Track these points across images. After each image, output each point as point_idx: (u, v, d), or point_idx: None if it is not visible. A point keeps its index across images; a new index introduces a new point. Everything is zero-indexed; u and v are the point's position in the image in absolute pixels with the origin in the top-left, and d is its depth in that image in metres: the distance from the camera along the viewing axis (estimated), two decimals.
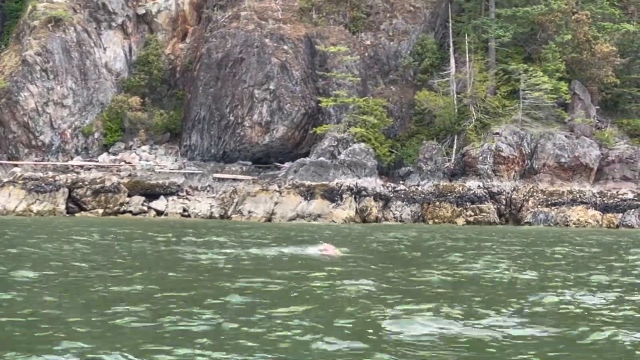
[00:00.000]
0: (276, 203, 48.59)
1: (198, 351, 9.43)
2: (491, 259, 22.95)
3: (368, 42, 59.61)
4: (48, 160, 55.61)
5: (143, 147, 57.61)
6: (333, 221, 47.46)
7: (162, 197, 51.41)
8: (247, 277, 16.44)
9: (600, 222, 51.26)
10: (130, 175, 53.13)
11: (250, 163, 56.32)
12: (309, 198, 48.97)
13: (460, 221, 50.44)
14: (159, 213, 50.50)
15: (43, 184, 48.99)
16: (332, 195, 49.18)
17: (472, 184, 52.27)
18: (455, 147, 55.78)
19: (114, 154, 57.25)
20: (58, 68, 56.40)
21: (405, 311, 12.42)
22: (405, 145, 56.93)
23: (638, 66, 59.86)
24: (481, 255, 24.28)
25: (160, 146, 58.36)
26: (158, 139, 58.64)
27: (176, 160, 56.79)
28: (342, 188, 49.55)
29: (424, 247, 28.62)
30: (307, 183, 49.63)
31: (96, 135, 57.84)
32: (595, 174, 55.38)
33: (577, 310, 13.31)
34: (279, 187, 49.69)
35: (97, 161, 56.15)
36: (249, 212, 48.28)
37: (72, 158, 56.42)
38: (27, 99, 55.31)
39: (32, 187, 48.65)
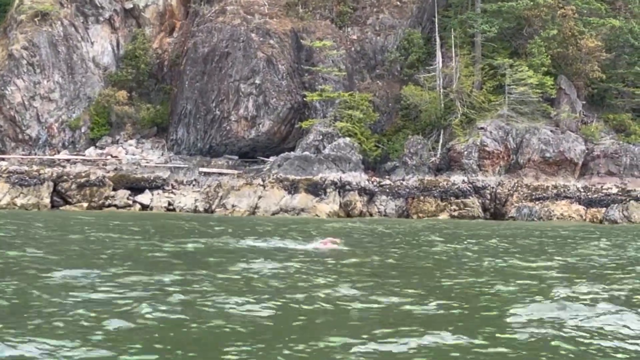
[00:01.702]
0: (260, 197, 48.74)
1: None
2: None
3: (354, 37, 59.74)
4: (35, 154, 55.73)
5: (130, 141, 57.76)
6: (317, 215, 47.63)
7: (147, 190, 51.53)
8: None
9: (584, 217, 51.44)
10: (116, 169, 53.24)
11: (236, 157, 56.47)
12: (292, 192, 49.13)
13: (444, 216, 50.60)
14: (144, 207, 50.62)
15: (27, 178, 49.14)
16: (316, 189, 49.34)
17: (457, 179, 52.45)
18: (441, 141, 55.96)
19: (101, 148, 57.38)
20: (45, 62, 56.51)
21: None
22: (391, 140, 57.06)
23: (624, 61, 60.00)
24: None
25: (147, 140, 58.50)
26: (145, 133, 58.78)
27: (162, 154, 56.93)
28: (326, 182, 49.71)
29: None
30: (291, 177, 49.79)
31: (83, 129, 57.96)
32: (581, 169, 55.57)
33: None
34: (263, 181, 49.85)
35: (84, 155, 56.26)
36: (233, 206, 48.42)
37: (59, 152, 56.55)
38: (13, 93, 55.43)
39: (17, 180, 48.78)
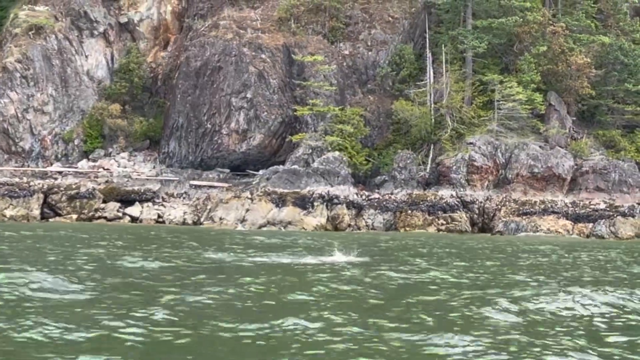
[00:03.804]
0: (247, 210, 49.15)
1: None
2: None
3: (346, 52, 60.23)
4: (28, 166, 56.25)
5: (122, 154, 58.26)
6: (303, 228, 47.99)
7: (137, 203, 51.95)
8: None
9: (571, 232, 51.69)
10: (107, 181, 53.70)
11: (227, 170, 56.91)
12: (280, 205, 49.54)
13: (432, 229, 50.90)
14: (134, 219, 51.04)
15: (17, 189, 49.65)
16: (304, 202, 49.74)
17: (445, 193, 52.78)
18: (431, 156, 56.30)
19: (94, 161, 57.90)
20: (38, 75, 57.14)
21: None
22: (382, 154, 57.43)
23: (614, 78, 60.33)
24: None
25: (140, 153, 59.00)
26: (137, 146, 59.30)
27: (154, 167, 57.39)
28: (313, 196, 50.11)
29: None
30: (279, 190, 50.21)
31: (76, 141, 58.52)
32: (569, 184, 55.83)
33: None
34: (251, 194, 50.26)
35: (76, 167, 56.76)
36: (220, 218, 48.83)
37: (52, 164, 57.07)
38: (7, 105, 56.02)
39: (6, 192, 49.27)
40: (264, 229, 47.59)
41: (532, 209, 52.71)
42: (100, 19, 60.98)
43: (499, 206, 52.91)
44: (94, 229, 39.69)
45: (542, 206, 52.96)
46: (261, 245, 31.03)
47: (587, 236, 51.12)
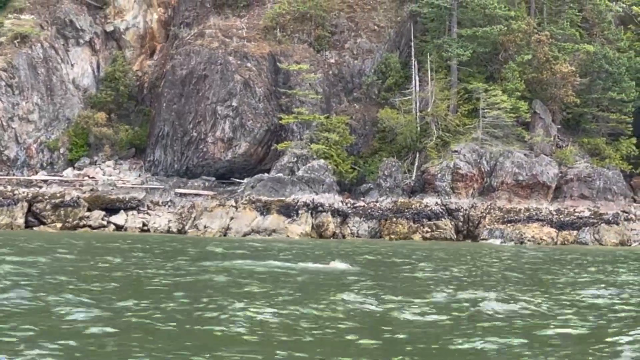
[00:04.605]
0: (232, 218, 49.15)
1: None
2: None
3: (332, 61, 60.35)
4: (13, 174, 56.14)
5: (107, 162, 58.21)
6: (288, 236, 48.00)
7: (122, 211, 51.89)
8: None
9: (555, 239, 51.83)
10: (92, 190, 53.63)
11: (213, 179, 56.89)
12: (264, 213, 49.56)
13: (417, 237, 50.96)
14: (119, 227, 50.98)
15: (1, 198, 49.57)
16: (288, 210, 49.78)
17: (430, 201, 52.87)
18: (416, 164, 56.41)
19: (79, 169, 57.83)
20: (24, 84, 57.10)
21: None
22: (367, 162, 57.50)
23: (599, 86, 60.56)
24: None
25: (125, 161, 58.96)
26: (123, 155, 59.27)
27: (140, 176, 57.35)
28: (298, 204, 50.15)
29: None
30: (264, 199, 50.23)
31: (62, 150, 58.45)
32: (554, 192, 56.00)
33: None
34: (236, 202, 50.28)
35: (62, 176, 56.68)
36: (205, 227, 48.82)
37: (37, 173, 56.98)
38: None
39: None
40: (248, 236, 47.61)
41: (516, 217, 52.88)
42: (86, 28, 60.97)
43: (484, 214, 53.06)
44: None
45: (527, 214, 53.14)
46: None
47: (572, 243, 51.30)
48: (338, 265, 25.48)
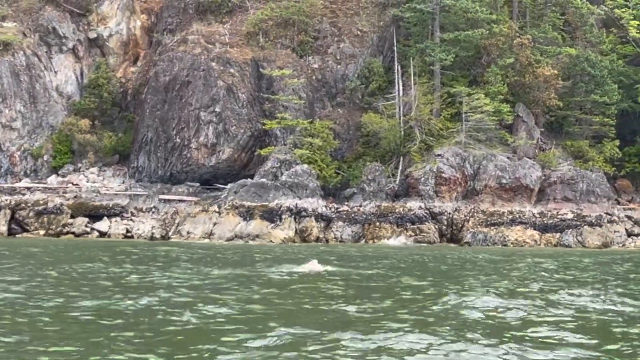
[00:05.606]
0: (215, 224, 49.15)
1: None
2: None
3: (315, 66, 60.45)
4: None
5: (91, 169, 58.16)
6: (271, 241, 47.99)
7: (105, 218, 51.82)
8: None
9: (539, 242, 51.97)
10: (75, 196, 53.54)
11: (197, 184, 56.86)
12: (248, 219, 49.56)
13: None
14: (102, 234, 50.92)
15: None
16: (272, 215, 49.79)
17: (413, 205, 52.95)
18: (400, 168, 56.50)
19: (63, 176, 57.74)
20: (6, 91, 57.07)
21: None
22: (351, 167, 57.56)
23: (581, 89, 60.79)
24: None
25: (109, 168, 58.93)
26: (107, 161, 59.22)
27: (123, 182, 57.30)
28: (281, 209, 50.17)
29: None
30: (247, 204, 50.24)
31: (45, 157, 58.38)
32: (537, 195, 56.13)
33: None
34: (219, 207, 50.27)
35: (46, 183, 56.57)
36: (188, 232, 48.80)
37: (20, 180, 56.86)
38: None
39: None
40: (232, 241, 47.58)
41: (500, 220, 52.99)
42: (69, 35, 60.93)
43: (468, 217, 53.14)
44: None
45: (510, 217, 53.26)
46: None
47: (555, 246, 51.45)
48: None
